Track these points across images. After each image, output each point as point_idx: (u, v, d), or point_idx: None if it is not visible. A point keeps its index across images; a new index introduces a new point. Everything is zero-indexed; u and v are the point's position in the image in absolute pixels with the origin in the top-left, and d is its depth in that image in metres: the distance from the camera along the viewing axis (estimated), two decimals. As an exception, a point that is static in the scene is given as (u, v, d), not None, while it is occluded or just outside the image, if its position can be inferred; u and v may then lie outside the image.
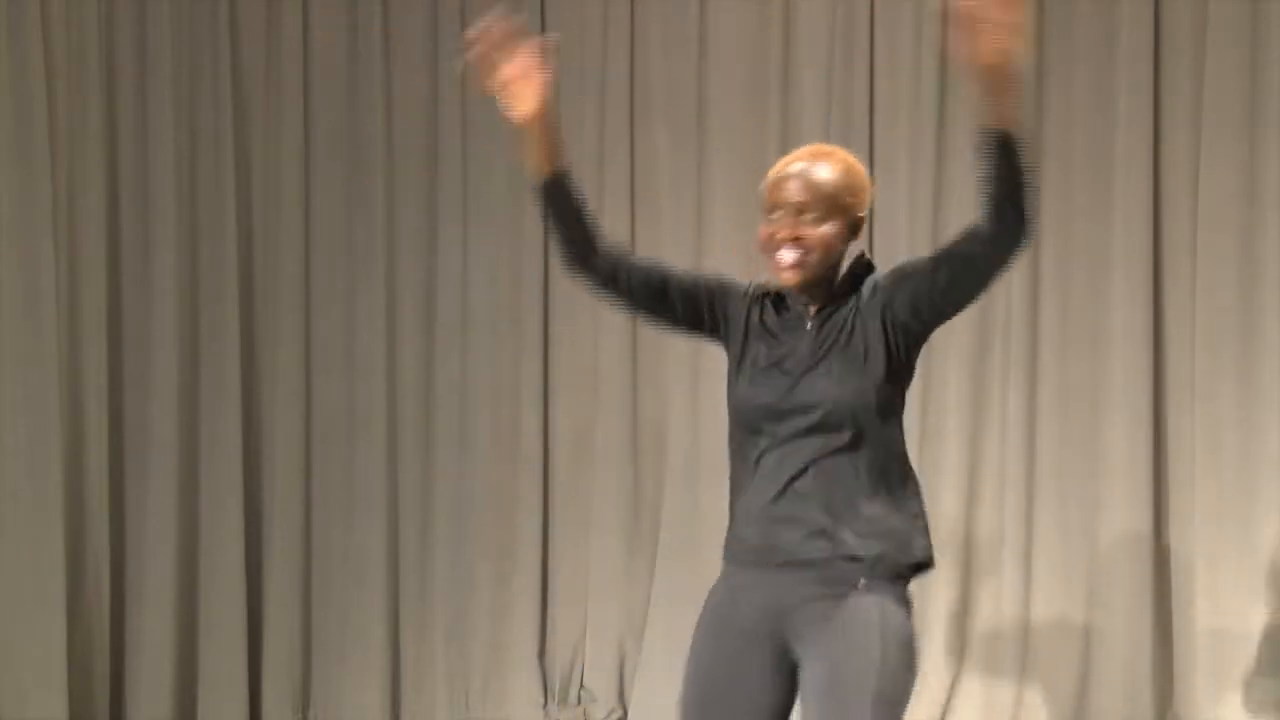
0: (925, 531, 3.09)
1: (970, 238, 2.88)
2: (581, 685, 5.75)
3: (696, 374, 5.70)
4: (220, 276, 5.71)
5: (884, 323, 3.01)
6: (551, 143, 3.14)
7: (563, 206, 3.18)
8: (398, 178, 5.79)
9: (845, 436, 3.00)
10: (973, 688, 5.45)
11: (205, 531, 5.70)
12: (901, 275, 3.02)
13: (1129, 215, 5.36)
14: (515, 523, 5.77)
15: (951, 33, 2.70)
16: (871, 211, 5.48)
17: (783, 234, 3.04)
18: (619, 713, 5.69)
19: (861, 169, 3.15)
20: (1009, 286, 5.43)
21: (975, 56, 2.68)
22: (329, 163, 5.79)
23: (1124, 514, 5.34)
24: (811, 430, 3.00)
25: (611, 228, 5.65)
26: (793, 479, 3.02)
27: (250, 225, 5.78)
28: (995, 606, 5.46)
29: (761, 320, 3.13)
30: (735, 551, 3.13)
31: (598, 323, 5.75)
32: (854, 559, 2.99)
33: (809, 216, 3.05)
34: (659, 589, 5.67)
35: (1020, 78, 2.73)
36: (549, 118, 3.13)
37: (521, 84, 3.11)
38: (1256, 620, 5.24)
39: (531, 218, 5.76)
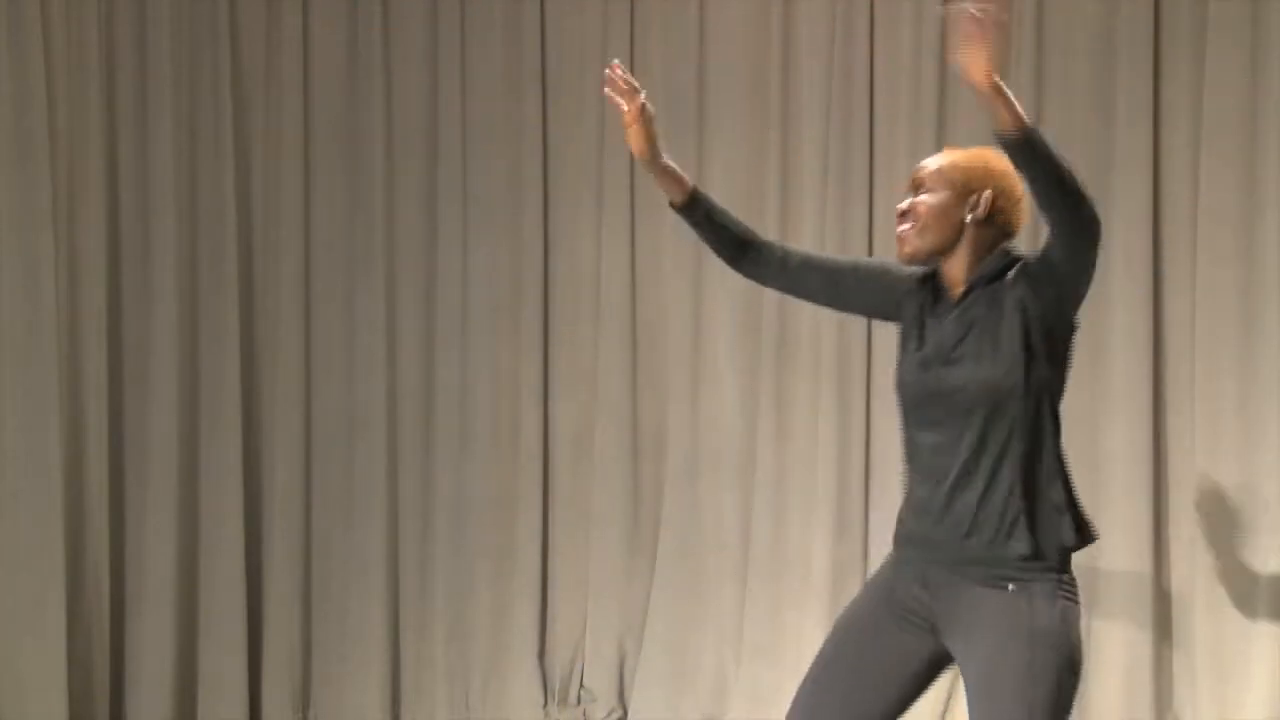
0: (1071, 522, 3.14)
1: (1050, 246, 3.08)
2: (581, 685, 5.75)
3: (696, 374, 5.71)
4: (220, 277, 5.71)
5: (1023, 309, 3.12)
6: (667, 175, 3.44)
7: (700, 223, 3.46)
8: (397, 178, 5.79)
9: (984, 425, 3.12)
10: (973, 687, 5.45)
11: (205, 532, 5.69)
12: (1030, 262, 3.16)
13: (1129, 215, 5.36)
14: (515, 522, 5.77)
15: (953, 46, 2.93)
16: (871, 210, 5.56)
17: (899, 208, 3.26)
18: (619, 713, 5.70)
19: (992, 156, 3.21)
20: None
21: (971, 70, 2.91)
22: (329, 162, 5.79)
23: (1124, 513, 5.34)
24: (955, 417, 3.14)
25: (611, 225, 5.73)
26: (940, 471, 3.16)
27: (250, 225, 5.78)
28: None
29: (920, 307, 3.27)
30: (899, 534, 3.29)
31: (597, 322, 5.76)
32: (997, 560, 3.11)
33: (920, 193, 3.24)
34: (659, 588, 5.67)
35: (1003, 81, 2.92)
36: (656, 157, 3.44)
37: (633, 128, 3.43)
38: (1256, 620, 5.24)
39: (531, 218, 5.78)
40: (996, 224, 3.22)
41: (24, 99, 5.38)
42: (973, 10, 2.89)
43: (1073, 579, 3.15)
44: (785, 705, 3.24)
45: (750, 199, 5.60)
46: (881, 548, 5.48)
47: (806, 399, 5.58)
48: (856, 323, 5.38)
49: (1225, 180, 5.27)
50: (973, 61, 2.90)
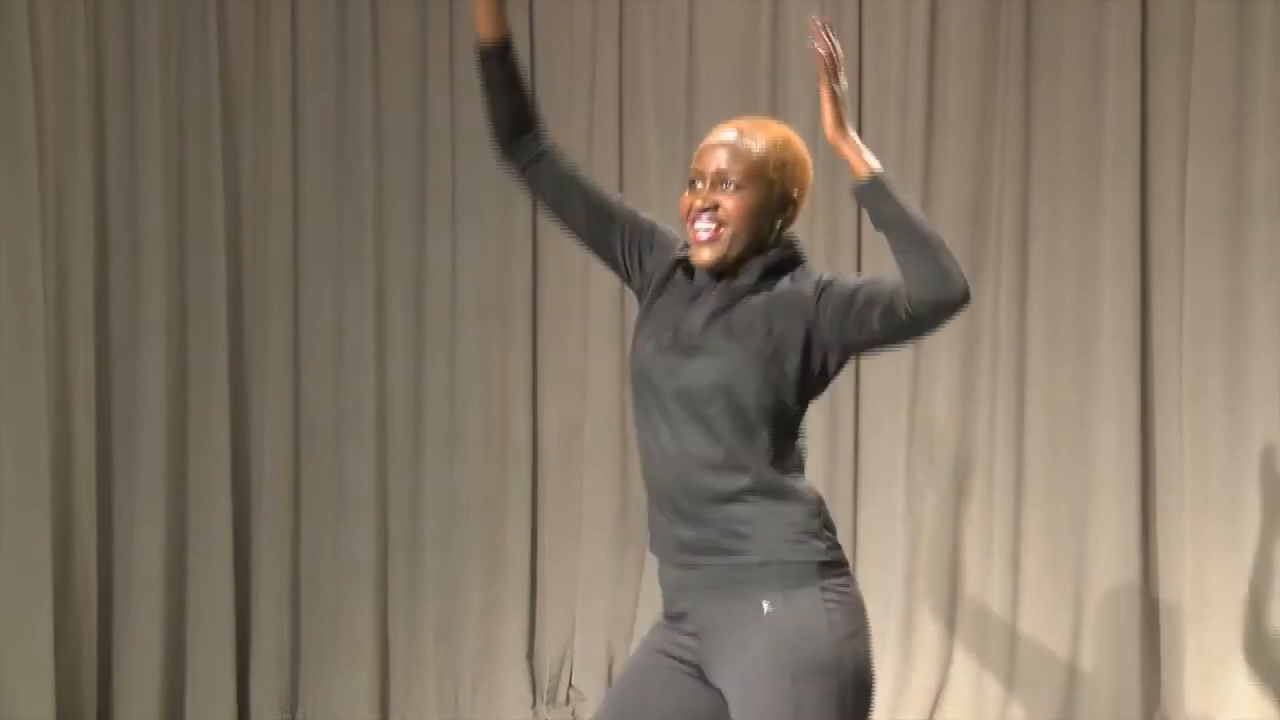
0: (820, 533, 2.77)
1: (902, 298, 2.70)
2: (570, 685, 5.74)
3: (685, 373, 5.70)
4: (208, 277, 5.69)
5: (807, 332, 2.76)
6: (494, 7, 2.93)
7: (498, 76, 2.96)
8: (386, 177, 5.78)
9: (720, 424, 2.74)
10: (961, 687, 5.46)
11: (193, 531, 5.68)
12: (830, 294, 2.77)
13: (1117, 217, 5.37)
14: (504, 522, 5.77)
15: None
16: (860, 207, 5.56)
17: (698, 203, 2.80)
18: (607, 712, 5.69)
19: (799, 144, 2.89)
20: (997, 289, 5.44)
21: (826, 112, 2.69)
22: (318, 161, 5.77)
23: (1112, 514, 5.35)
24: (689, 411, 2.75)
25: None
26: (674, 466, 2.77)
27: (239, 225, 5.77)
28: (983, 606, 5.46)
29: (669, 280, 2.88)
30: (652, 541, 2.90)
31: (587, 321, 5.75)
32: (744, 566, 2.74)
33: (728, 186, 2.79)
34: (648, 588, 5.66)
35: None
36: None
37: None
38: (1244, 619, 5.25)
39: (520, 217, 5.78)
40: (788, 222, 2.87)
41: (11, 98, 5.36)
42: (820, 49, 2.68)
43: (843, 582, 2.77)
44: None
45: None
46: (871, 549, 5.53)
47: (795, 398, 5.57)
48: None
49: (1213, 182, 5.28)
50: (826, 107, 2.68)
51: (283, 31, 5.73)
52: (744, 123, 2.87)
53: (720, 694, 2.79)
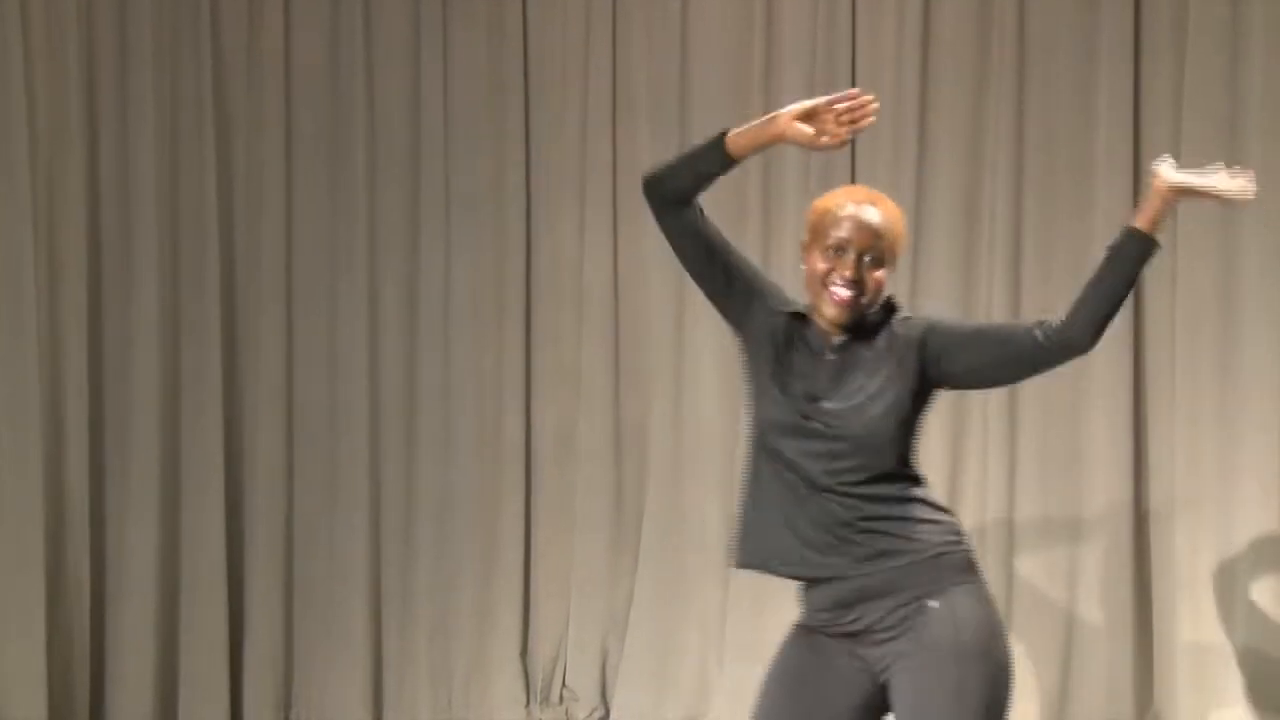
0: (951, 530, 3.17)
1: (1044, 334, 3.08)
2: (564, 684, 5.75)
3: (679, 372, 5.71)
4: (201, 275, 5.69)
5: (921, 368, 3.13)
6: (760, 146, 3.21)
7: (706, 173, 3.25)
8: (380, 175, 5.78)
9: (861, 465, 3.11)
10: (955, 686, 5.45)
11: (186, 530, 5.68)
12: (951, 335, 3.17)
13: (1110, 214, 5.37)
14: (498, 521, 5.77)
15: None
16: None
17: (847, 273, 3.14)
18: (601, 711, 5.70)
19: (902, 216, 3.28)
20: (991, 285, 5.45)
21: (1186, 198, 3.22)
22: (311, 160, 5.78)
23: (1105, 511, 5.35)
24: (830, 458, 3.10)
25: (593, 224, 5.73)
26: (812, 506, 3.12)
27: (231, 223, 5.77)
28: (977, 605, 5.46)
29: (789, 340, 3.20)
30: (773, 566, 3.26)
31: (580, 320, 5.75)
32: (905, 568, 3.10)
33: (868, 260, 3.15)
34: (641, 587, 5.67)
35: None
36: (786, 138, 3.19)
37: (822, 118, 3.16)
38: (1237, 618, 5.26)
39: (514, 214, 5.77)
40: None
41: (3, 97, 5.36)
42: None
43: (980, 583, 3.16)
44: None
45: (733, 198, 5.59)
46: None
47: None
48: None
49: (1205, 178, 5.28)
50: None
51: (276, 28, 5.74)
52: (876, 201, 3.22)
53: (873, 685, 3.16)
